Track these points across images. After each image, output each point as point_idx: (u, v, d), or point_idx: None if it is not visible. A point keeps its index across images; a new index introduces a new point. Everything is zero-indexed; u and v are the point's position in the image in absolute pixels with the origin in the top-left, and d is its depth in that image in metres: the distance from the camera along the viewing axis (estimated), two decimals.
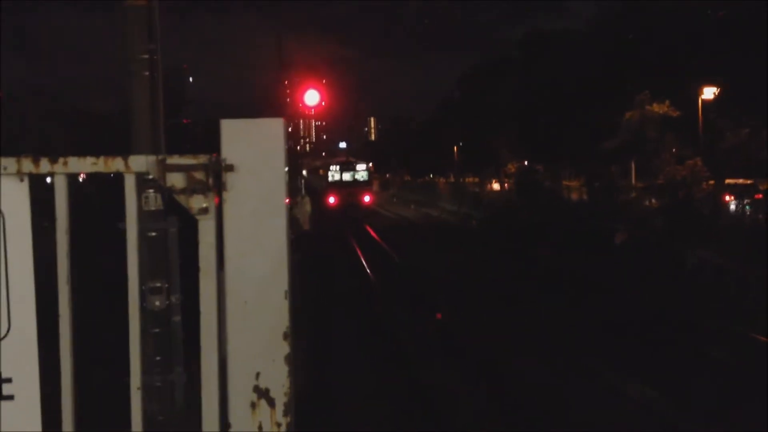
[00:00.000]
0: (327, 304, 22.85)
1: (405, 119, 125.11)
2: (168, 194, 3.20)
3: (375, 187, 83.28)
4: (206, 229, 3.15)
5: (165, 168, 3.05)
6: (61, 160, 3.01)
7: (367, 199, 59.32)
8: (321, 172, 69.25)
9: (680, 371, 15.69)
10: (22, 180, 3.01)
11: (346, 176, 59.84)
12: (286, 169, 3.22)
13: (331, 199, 57.97)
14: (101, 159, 3.05)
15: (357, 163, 63.22)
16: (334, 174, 60.49)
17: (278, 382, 3.17)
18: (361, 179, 60.52)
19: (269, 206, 3.15)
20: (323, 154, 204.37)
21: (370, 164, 70.55)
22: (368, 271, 30.32)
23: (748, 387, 14.33)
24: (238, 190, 3.11)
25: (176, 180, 3.08)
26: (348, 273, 31.19)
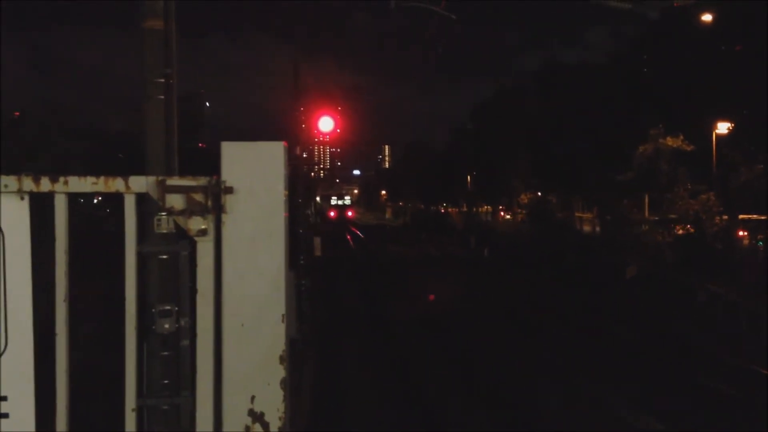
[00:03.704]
0: None
1: (419, 147, 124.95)
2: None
3: (391, 209, 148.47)
4: (204, 251, 3.16)
5: (164, 189, 3.07)
6: (61, 179, 3.02)
7: (350, 213, 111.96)
8: (330, 198, 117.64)
9: (688, 405, 15.54)
10: (22, 198, 3.02)
11: (340, 201, 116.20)
12: (286, 192, 3.23)
13: (332, 213, 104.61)
14: (101, 179, 3.06)
15: (346, 194, 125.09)
16: (333, 200, 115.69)
17: (273, 406, 3.16)
18: (348, 203, 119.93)
19: (268, 229, 3.15)
20: (337, 180, 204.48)
21: (355, 191, 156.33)
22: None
23: (755, 422, 14.18)
24: (238, 212, 3.11)
25: (175, 201, 3.10)
26: None
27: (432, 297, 26.94)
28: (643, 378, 17.86)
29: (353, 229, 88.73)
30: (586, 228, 57.24)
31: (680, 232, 36.70)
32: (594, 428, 14.10)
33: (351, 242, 68.05)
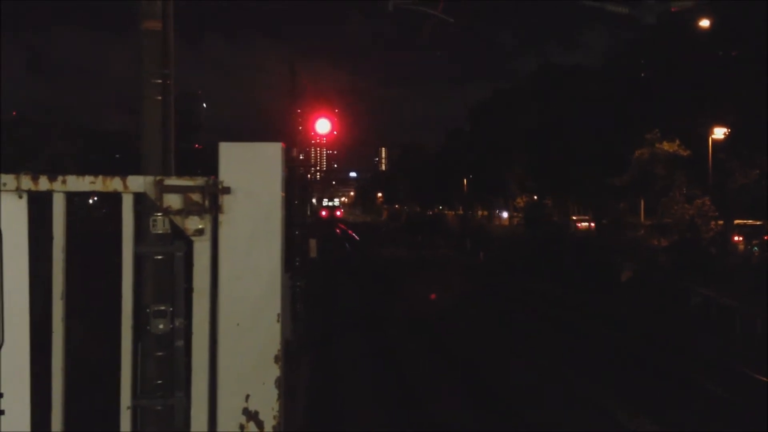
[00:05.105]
0: None
1: (415, 149, 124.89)
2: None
3: (387, 211, 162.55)
4: (201, 251, 3.17)
5: (162, 189, 3.08)
6: (59, 178, 3.02)
7: (338, 213, 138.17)
8: (322, 200, 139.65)
9: (682, 407, 15.57)
10: (20, 197, 3.03)
11: (330, 203, 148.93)
12: (283, 193, 3.24)
13: (323, 213, 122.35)
14: (99, 178, 3.07)
15: (337, 197, 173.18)
16: (324, 202, 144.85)
17: (268, 405, 3.17)
18: (337, 205, 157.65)
19: (265, 230, 3.16)
20: (333, 182, 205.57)
21: (343, 199, 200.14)
22: None
23: (749, 425, 14.21)
24: (235, 212, 3.12)
25: (173, 201, 3.11)
26: None
27: (433, 296, 28.09)
28: (637, 380, 17.90)
29: (342, 226, 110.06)
30: (582, 231, 57.31)
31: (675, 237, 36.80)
32: (588, 429, 14.13)
33: (343, 240, 77.71)
